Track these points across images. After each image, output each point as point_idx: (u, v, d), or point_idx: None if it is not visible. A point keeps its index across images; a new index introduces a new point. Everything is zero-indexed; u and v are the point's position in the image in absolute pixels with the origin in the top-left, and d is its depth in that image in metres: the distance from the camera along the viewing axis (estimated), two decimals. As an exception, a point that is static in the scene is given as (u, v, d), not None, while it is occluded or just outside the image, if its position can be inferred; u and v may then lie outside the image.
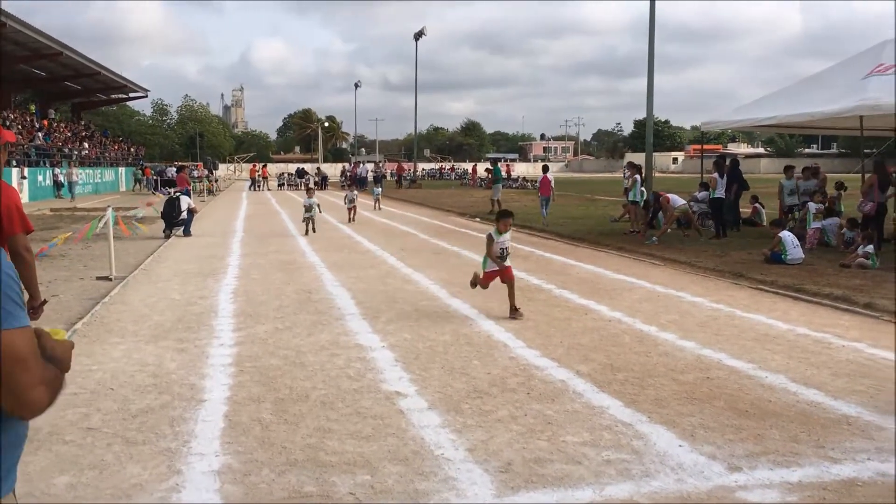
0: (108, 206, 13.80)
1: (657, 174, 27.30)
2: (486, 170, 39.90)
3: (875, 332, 7.43)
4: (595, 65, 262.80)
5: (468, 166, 69.97)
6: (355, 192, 21.95)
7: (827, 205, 15.73)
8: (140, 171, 50.15)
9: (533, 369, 6.20)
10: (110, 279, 10.86)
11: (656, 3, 19.49)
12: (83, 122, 57.09)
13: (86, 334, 7.50)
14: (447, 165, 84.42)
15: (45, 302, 4.74)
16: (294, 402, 5.39)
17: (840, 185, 16.97)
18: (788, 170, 17.39)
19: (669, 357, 6.55)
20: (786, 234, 12.33)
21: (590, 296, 9.52)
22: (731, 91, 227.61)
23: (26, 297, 3.53)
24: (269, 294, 9.70)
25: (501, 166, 30.82)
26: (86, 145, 48.11)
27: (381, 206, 27.37)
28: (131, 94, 58.87)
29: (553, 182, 21.02)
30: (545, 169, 22.13)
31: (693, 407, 5.23)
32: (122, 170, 51.09)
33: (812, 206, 14.81)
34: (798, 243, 12.42)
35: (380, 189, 28.60)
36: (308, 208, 17.74)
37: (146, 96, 60.37)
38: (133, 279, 10.98)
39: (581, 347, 6.90)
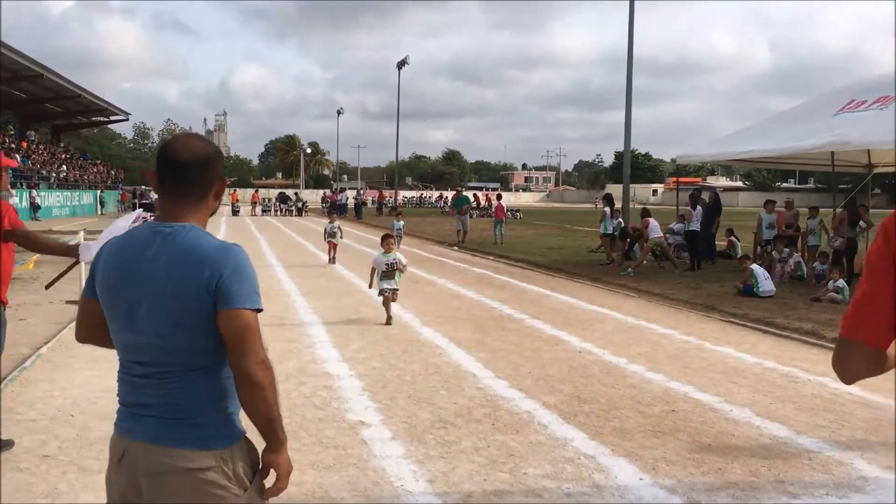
0: (82, 229, 13.69)
1: (637, 205, 27.48)
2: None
3: (841, 367, 7.47)
4: (570, 97, 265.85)
5: (450, 195, 70.22)
6: (336, 223, 16.92)
7: (799, 239, 15.94)
8: (118, 195, 49.79)
9: (500, 400, 6.19)
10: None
11: (625, 37, 19.77)
12: (62, 145, 56.81)
13: (50, 359, 7.41)
14: (434, 194, 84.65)
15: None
16: (255, 430, 5.31)
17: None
18: (769, 203, 17.58)
19: (636, 389, 6.56)
20: (757, 268, 12.45)
21: (562, 326, 9.54)
22: (704, 125, 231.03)
23: None
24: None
25: (482, 195, 31.01)
26: (64, 168, 47.83)
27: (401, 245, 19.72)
28: (112, 118, 58.65)
29: (506, 208, 25.23)
30: (499, 196, 28.28)
31: (657, 440, 5.23)
32: (100, 193, 50.71)
33: (775, 254, 14.88)
34: (769, 276, 12.54)
35: (401, 224, 22.95)
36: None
37: (127, 119, 60.17)
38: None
39: (549, 378, 6.90)
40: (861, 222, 13.81)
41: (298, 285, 13.22)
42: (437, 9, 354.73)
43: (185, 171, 2.12)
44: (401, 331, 9.17)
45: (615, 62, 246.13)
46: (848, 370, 1.70)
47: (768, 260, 14.67)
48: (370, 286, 9.89)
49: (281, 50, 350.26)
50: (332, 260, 16.85)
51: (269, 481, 2.13)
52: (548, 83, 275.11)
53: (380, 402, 6.09)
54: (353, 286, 13.24)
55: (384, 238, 10.09)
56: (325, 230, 17.28)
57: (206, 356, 2.07)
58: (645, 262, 16.54)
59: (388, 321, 9.48)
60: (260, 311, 2.08)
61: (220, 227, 33.83)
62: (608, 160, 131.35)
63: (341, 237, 17.08)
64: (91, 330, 2.26)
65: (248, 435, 2.14)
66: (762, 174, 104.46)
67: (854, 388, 6.61)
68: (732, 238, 18.99)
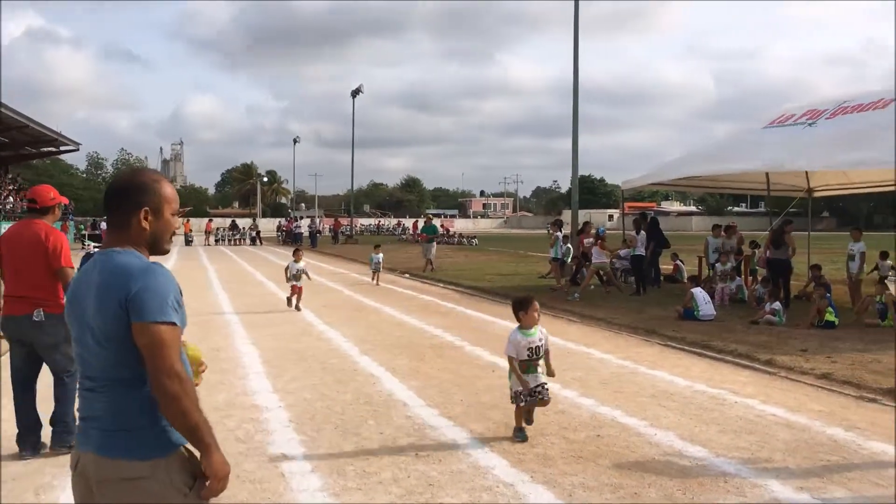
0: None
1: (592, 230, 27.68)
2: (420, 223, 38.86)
3: (770, 389, 7.59)
4: (524, 125, 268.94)
5: (409, 222, 70.30)
6: (302, 263, 14.09)
7: (742, 263, 16.24)
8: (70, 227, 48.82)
9: (427, 429, 6.14)
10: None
11: (572, 65, 20.08)
12: (10, 176, 55.67)
13: None
14: (392, 221, 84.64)
15: None
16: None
17: (754, 244, 17.48)
18: (716, 228, 17.87)
19: (565, 415, 6.57)
20: (697, 291, 12.62)
21: (501, 353, 9.49)
22: (656, 152, 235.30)
23: None
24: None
25: (439, 223, 31.14)
26: (11, 199, 46.85)
27: (380, 282, 19.40)
28: (62, 148, 57.61)
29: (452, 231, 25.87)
30: (429, 219, 29.47)
31: (578, 466, 5.23)
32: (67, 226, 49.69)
33: (719, 266, 15.21)
34: (709, 300, 12.72)
35: (380, 257, 19.98)
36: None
37: (77, 149, 58.92)
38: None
39: (480, 406, 6.88)
40: (787, 245, 14.09)
41: (240, 315, 13.06)
42: (388, 38, 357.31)
43: (108, 200, 2.39)
44: (338, 360, 9.09)
45: (565, 91, 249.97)
46: None
47: (710, 283, 14.90)
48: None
49: (233, 80, 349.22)
50: (296, 307, 13.70)
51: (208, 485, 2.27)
52: (501, 112, 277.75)
53: (305, 434, 6.00)
54: (296, 315, 13.12)
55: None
56: (288, 270, 14.03)
57: (133, 369, 2.22)
58: (592, 286, 16.67)
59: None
60: (171, 324, 2.21)
61: (172, 256, 33.37)
62: (565, 186, 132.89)
63: (308, 278, 14.31)
64: None
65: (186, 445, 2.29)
66: (715, 199, 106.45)
67: (778, 409, 6.71)
68: (678, 262, 19.26)
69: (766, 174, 15.06)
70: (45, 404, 5.66)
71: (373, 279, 19.61)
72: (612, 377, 8.13)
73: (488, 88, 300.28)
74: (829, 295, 11.83)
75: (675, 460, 5.36)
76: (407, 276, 22.65)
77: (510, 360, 5.78)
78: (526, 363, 5.72)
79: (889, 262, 15.40)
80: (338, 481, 4.93)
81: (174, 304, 2.25)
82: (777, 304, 12.05)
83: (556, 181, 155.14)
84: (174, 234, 2.47)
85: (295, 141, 79.87)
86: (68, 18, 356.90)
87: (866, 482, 4.91)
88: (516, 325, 5.93)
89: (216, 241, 49.34)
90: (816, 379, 7.96)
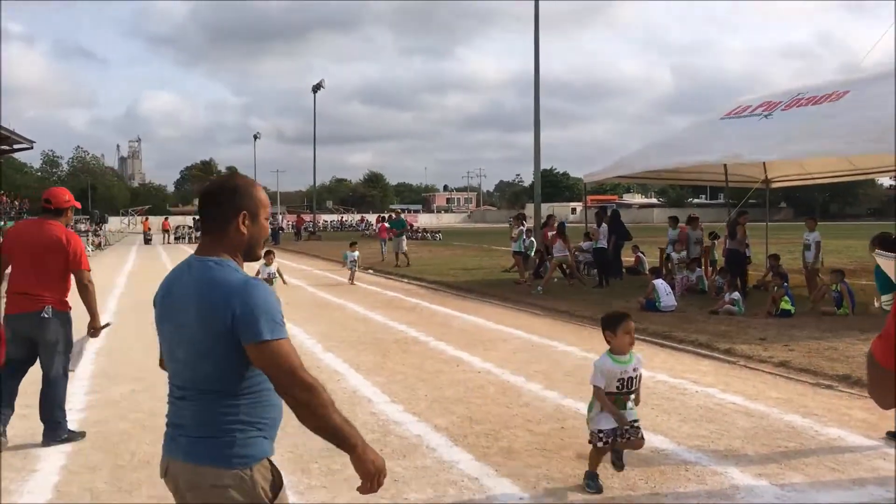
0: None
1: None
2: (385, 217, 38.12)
3: (729, 378, 7.71)
4: (485, 119, 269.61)
5: (372, 218, 70.07)
6: (274, 266, 13.17)
7: (703, 254, 16.48)
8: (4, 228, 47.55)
9: (391, 424, 6.14)
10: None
11: (531, 60, 20.19)
12: (-38, 175, 54.31)
13: None
14: (356, 216, 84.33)
15: (107, 325, 6.25)
16: (134, 469, 5.15)
17: (714, 235, 17.75)
18: (673, 220, 18.14)
19: (530, 408, 6.61)
20: (659, 283, 12.77)
21: (465, 347, 9.56)
22: (617, 144, 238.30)
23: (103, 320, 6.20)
24: (132, 353, 9.32)
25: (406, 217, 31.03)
26: (-36, 199, 45.73)
27: (355, 282, 18.65)
28: (15, 146, 56.36)
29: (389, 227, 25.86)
30: (381, 219, 32.17)
31: (542, 458, 5.27)
32: (3, 224, 48.60)
33: (674, 255, 15.45)
34: (671, 291, 12.88)
35: (356, 255, 19.14)
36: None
37: (31, 148, 57.40)
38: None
39: (444, 400, 6.89)
40: (739, 236, 14.36)
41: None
42: (347, 34, 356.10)
43: (204, 205, 2.37)
44: (302, 357, 8.98)
45: (525, 85, 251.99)
46: (885, 398, 1.79)
47: (671, 275, 15.09)
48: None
49: (191, 77, 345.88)
50: None
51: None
52: (462, 106, 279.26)
53: (268, 432, 5.95)
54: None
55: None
56: (260, 275, 12.54)
57: (228, 382, 2.26)
58: (555, 279, 16.78)
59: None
60: (286, 340, 2.26)
61: (130, 255, 32.87)
62: (528, 180, 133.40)
63: (284, 282, 13.20)
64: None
65: (272, 458, 2.36)
66: (675, 191, 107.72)
67: (737, 398, 6.82)
68: (639, 254, 19.48)
69: (725, 166, 15.28)
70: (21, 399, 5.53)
71: (350, 279, 18.77)
72: (575, 369, 8.19)
73: (449, 83, 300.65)
74: (786, 284, 12.05)
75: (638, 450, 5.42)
76: (371, 271, 22.60)
77: (597, 391, 4.67)
78: (614, 396, 4.64)
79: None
80: (302, 479, 4.91)
81: (281, 319, 2.27)
82: (736, 294, 12.25)
83: (518, 175, 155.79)
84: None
85: (255, 137, 79.38)
86: (20, 15, 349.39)
87: (822, 467, 5.02)
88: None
89: (176, 238, 48.70)
90: (774, 367, 8.11)
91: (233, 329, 2.20)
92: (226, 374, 2.26)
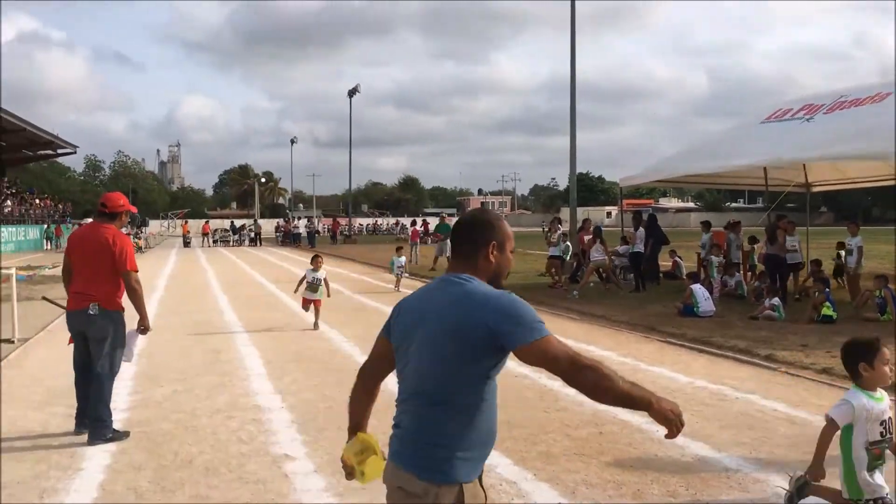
0: (13, 267, 13.38)
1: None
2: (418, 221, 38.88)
3: (770, 384, 7.60)
4: (517, 123, 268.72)
5: (407, 221, 70.32)
6: (322, 272, 11.85)
7: (743, 259, 16.29)
8: (51, 230, 48.29)
9: (429, 428, 6.15)
10: (12, 342, 10.47)
11: (567, 64, 20.11)
12: (6, 180, 55.59)
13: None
14: (391, 220, 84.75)
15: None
16: (176, 468, 5.23)
17: (753, 239, 17.52)
18: (705, 225, 17.96)
19: (567, 412, 6.58)
20: (697, 287, 12.64)
21: (501, 351, 9.53)
22: (646, 148, 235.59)
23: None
24: (175, 355, 9.46)
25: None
26: (8, 203, 46.81)
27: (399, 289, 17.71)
28: (59, 151, 57.60)
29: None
30: (413, 223, 32.82)
31: (581, 463, 5.25)
32: (46, 227, 49.66)
33: (714, 259, 15.27)
34: (709, 296, 12.74)
35: (402, 261, 18.40)
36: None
37: (74, 152, 59.07)
38: (35, 342, 10.62)
39: (482, 404, 6.88)
40: (787, 236, 14.14)
41: (240, 317, 13.06)
42: (378, 39, 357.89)
43: (458, 233, 2.58)
44: (340, 360, 9.11)
45: (557, 89, 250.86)
46: None
47: (709, 280, 14.93)
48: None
49: (225, 81, 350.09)
50: (315, 324, 11.66)
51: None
52: (494, 110, 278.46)
53: (307, 434, 6.02)
54: (296, 316, 13.10)
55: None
56: (306, 280, 11.90)
57: (456, 393, 2.34)
58: (591, 283, 16.68)
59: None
60: (550, 335, 2.32)
61: (170, 258, 33.38)
62: (563, 183, 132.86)
63: (328, 294, 12.17)
64: (374, 362, 2.68)
65: (467, 484, 2.35)
66: (712, 194, 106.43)
67: (779, 405, 6.73)
68: (677, 259, 19.29)
69: (765, 169, 15.08)
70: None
71: (396, 285, 17.91)
72: (612, 374, 8.14)
73: (480, 87, 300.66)
74: (828, 290, 11.85)
75: (677, 457, 5.38)
76: (406, 275, 22.64)
77: (830, 430, 3.79)
78: (878, 447, 3.71)
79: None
80: (341, 481, 4.92)
81: (539, 319, 2.34)
82: (776, 300, 12.08)
83: (553, 179, 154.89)
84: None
85: (292, 142, 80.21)
86: (60, 21, 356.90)
87: (868, 476, 4.92)
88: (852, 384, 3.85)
89: (214, 242, 49.29)
90: (817, 374, 7.99)
91: (492, 336, 2.30)
92: (453, 384, 2.34)
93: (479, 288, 2.42)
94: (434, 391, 2.36)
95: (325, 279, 11.77)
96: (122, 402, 7.00)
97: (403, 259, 18.39)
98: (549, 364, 2.30)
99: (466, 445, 2.36)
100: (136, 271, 6.09)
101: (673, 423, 2.35)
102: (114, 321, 5.99)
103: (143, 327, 6.22)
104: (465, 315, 2.34)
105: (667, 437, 2.40)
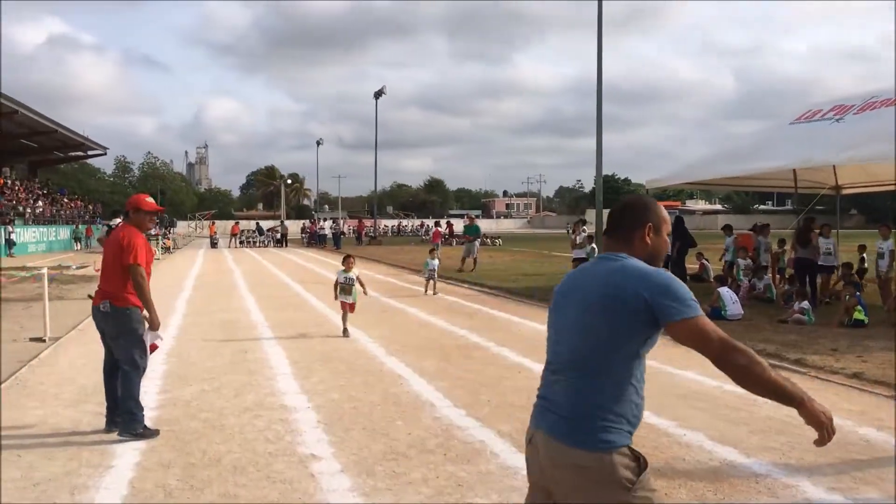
0: (44, 267, 13.57)
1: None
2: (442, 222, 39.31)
3: (799, 388, 7.50)
4: (543, 125, 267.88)
5: (431, 223, 70.44)
6: (354, 272, 11.28)
7: (772, 262, 16.12)
8: (81, 230, 48.84)
9: (455, 429, 6.16)
10: (44, 340, 10.63)
11: (592, 66, 20.00)
12: (38, 181, 56.48)
13: (3, 399, 7.30)
14: (416, 222, 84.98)
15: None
16: (205, 467, 5.27)
17: (782, 242, 17.33)
18: (727, 228, 17.84)
19: (593, 415, 6.55)
20: (724, 290, 12.53)
21: (527, 353, 9.53)
22: (672, 150, 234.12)
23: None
24: (202, 354, 9.55)
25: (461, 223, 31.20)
26: (40, 203, 47.52)
27: (436, 292, 17.24)
28: (90, 152, 58.46)
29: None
30: (437, 224, 34.24)
31: (607, 466, 5.21)
32: (76, 227, 50.32)
33: (741, 262, 15.13)
34: (737, 299, 12.62)
35: (436, 263, 17.67)
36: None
37: (105, 154, 59.98)
38: (66, 340, 10.77)
39: (507, 406, 6.88)
40: (821, 238, 13.97)
41: (267, 317, 13.14)
42: (402, 41, 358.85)
43: (615, 217, 2.63)
44: (365, 361, 9.13)
45: (582, 91, 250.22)
46: None
47: (737, 282, 14.79)
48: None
49: (251, 84, 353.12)
50: (344, 330, 11.06)
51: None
52: (519, 112, 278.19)
53: (334, 434, 6.04)
54: (322, 316, 13.18)
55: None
56: (338, 282, 11.22)
57: (608, 365, 2.38)
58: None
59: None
60: (702, 315, 2.34)
61: (198, 259, 33.68)
62: (588, 185, 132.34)
63: (364, 292, 11.94)
64: None
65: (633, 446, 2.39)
66: (741, 196, 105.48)
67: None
68: (704, 261, 19.13)
69: (794, 171, 14.90)
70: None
71: (426, 289, 17.46)
72: (639, 377, 8.09)
73: (505, 89, 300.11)
74: (858, 293, 11.69)
75: (706, 461, 5.34)
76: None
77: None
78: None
79: None
80: (367, 482, 4.96)
81: (694, 298, 2.38)
82: (806, 304, 11.93)
83: (579, 180, 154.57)
84: (668, 254, 2.57)
85: (318, 143, 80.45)
86: (90, 24, 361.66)
87: (900, 483, 4.85)
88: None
89: (240, 243, 49.68)
90: (847, 378, 7.88)
91: (647, 309, 2.33)
92: (609, 356, 2.38)
93: (636, 263, 2.46)
94: (588, 365, 2.40)
95: (357, 277, 11.42)
96: (151, 400, 7.08)
97: (437, 262, 17.70)
98: (701, 343, 2.31)
99: (625, 413, 2.38)
100: (140, 265, 6.06)
101: (824, 426, 2.33)
102: (125, 318, 6.04)
103: (150, 323, 6.19)
104: (621, 286, 2.38)
105: (816, 442, 2.36)
